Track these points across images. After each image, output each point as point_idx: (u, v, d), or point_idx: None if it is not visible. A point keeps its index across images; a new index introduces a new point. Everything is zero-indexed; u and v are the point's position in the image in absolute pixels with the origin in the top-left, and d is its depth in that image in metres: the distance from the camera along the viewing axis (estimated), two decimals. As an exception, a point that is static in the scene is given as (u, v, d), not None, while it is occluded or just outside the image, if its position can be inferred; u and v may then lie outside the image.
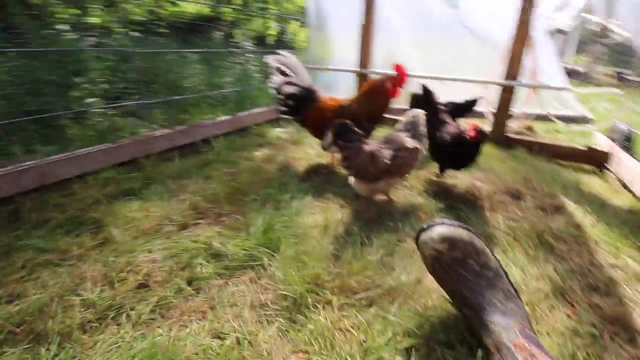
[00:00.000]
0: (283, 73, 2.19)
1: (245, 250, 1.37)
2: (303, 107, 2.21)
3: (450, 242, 0.96)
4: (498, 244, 1.61)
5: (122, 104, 2.82)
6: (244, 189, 1.93)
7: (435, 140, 2.13)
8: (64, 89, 2.82)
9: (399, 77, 2.09)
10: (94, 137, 2.31)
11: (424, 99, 2.36)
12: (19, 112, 2.20)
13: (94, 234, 1.47)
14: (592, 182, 2.56)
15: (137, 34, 4.92)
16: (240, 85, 4.09)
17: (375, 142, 1.82)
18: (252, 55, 5.62)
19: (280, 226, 1.55)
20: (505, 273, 1.03)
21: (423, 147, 1.89)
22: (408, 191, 2.12)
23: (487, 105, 3.61)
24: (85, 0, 4.23)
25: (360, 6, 3.62)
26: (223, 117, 3.10)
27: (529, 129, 4.02)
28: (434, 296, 1.20)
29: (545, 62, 3.50)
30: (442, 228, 0.98)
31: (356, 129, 1.72)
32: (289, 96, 2.20)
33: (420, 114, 1.93)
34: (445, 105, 2.57)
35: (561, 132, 3.66)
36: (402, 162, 1.78)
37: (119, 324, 1.07)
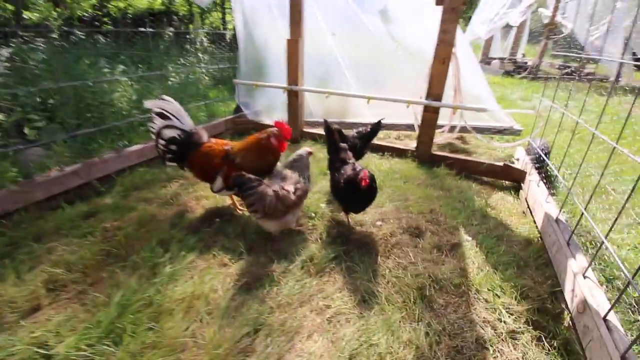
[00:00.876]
0: (164, 117, 2.01)
1: (85, 347, 1.25)
2: (188, 152, 2.06)
3: None
4: (377, 302, 1.58)
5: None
6: (121, 250, 1.78)
7: (335, 182, 2.07)
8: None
9: (282, 132, 2.03)
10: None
11: (327, 136, 2.29)
12: None
13: None
14: (503, 205, 2.58)
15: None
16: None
17: (273, 181, 1.90)
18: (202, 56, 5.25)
19: (140, 305, 1.43)
20: None
21: (307, 184, 2.01)
22: (309, 234, 2.05)
23: (417, 119, 3.60)
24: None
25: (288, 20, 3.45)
26: (134, 147, 2.87)
27: (460, 139, 4.08)
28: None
29: (468, 76, 3.51)
30: None
31: (251, 176, 1.79)
32: (171, 140, 2.04)
33: (304, 154, 2.03)
34: (352, 137, 2.52)
35: (492, 145, 3.70)
36: (302, 194, 1.93)
37: None
